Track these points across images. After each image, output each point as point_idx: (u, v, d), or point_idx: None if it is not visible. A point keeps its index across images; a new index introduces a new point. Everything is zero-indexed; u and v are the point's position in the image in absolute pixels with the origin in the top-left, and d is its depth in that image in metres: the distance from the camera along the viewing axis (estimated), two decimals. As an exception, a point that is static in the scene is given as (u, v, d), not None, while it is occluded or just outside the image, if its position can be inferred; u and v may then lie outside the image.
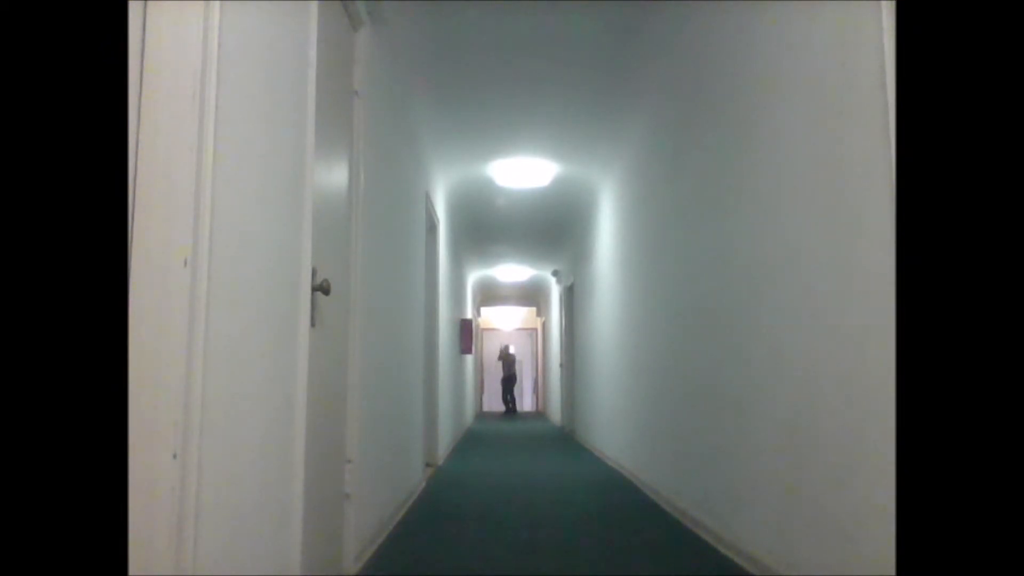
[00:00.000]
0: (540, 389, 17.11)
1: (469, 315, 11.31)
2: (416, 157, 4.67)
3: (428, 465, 5.55)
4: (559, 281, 11.01)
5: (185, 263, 1.21)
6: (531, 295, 15.80)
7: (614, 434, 5.95)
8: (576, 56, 4.08)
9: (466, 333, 9.09)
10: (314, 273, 2.03)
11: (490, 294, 15.63)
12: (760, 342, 2.55)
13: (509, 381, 16.00)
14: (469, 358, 11.30)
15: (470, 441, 8.59)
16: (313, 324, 2.01)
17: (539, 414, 16.20)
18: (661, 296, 4.26)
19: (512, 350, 16.45)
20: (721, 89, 3.02)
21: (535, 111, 4.92)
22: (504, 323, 18.26)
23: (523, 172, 6.28)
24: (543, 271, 12.11)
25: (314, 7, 2.06)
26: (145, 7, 1.24)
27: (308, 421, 1.91)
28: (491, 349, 18.13)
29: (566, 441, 8.64)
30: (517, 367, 16.88)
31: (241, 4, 1.48)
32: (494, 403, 17.93)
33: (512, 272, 12.44)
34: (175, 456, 1.16)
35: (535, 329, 17.64)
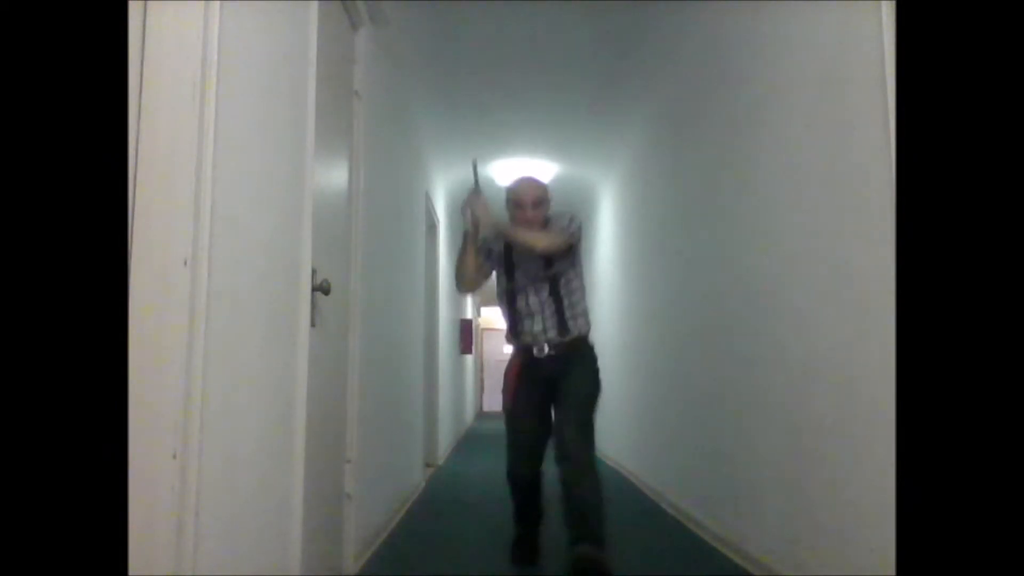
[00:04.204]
0: (540, 389, 17.05)
1: (469, 315, 11.31)
2: (416, 157, 4.67)
3: (428, 465, 5.55)
4: (559, 281, 10.96)
5: (185, 263, 1.21)
6: (531, 295, 15.73)
7: (615, 435, 5.95)
8: (576, 56, 4.08)
9: (466, 333, 9.09)
10: (314, 273, 2.03)
11: (490, 294, 15.58)
12: (761, 343, 2.55)
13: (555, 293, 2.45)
14: (469, 358, 11.30)
15: (470, 441, 8.58)
16: (313, 324, 2.01)
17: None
18: (662, 297, 4.25)
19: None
20: (721, 90, 3.01)
21: (535, 111, 4.92)
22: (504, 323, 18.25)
23: (523, 172, 6.27)
24: (543, 271, 12.08)
25: (314, 7, 2.06)
26: (145, 7, 1.24)
27: (308, 421, 1.91)
28: (491, 347, 17.22)
29: (566, 441, 8.61)
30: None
31: (241, 4, 1.48)
32: (495, 403, 17.86)
33: (512, 272, 12.39)
34: (175, 456, 1.16)
35: (535, 329, 17.60)
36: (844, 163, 1.90)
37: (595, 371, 2.44)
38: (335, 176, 2.40)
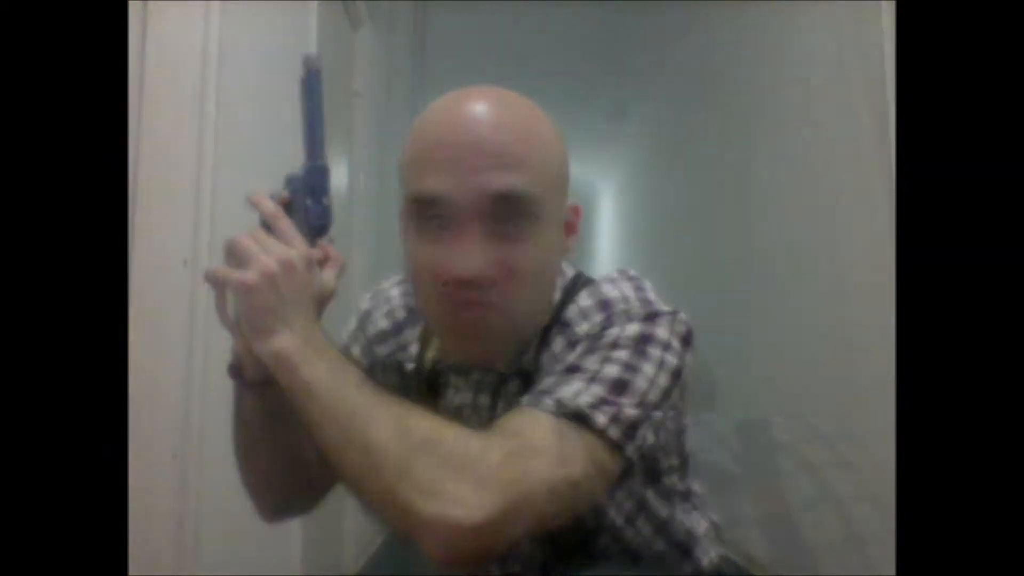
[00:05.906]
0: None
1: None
2: (416, 157, 4.66)
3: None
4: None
5: (185, 263, 1.21)
6: (531, 295, 15.72)
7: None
8: (576, 56, 4.08)
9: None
10: (314, 273, 2.02)
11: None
12: (760, 341, 2.55)
13: None
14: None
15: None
16: (313, 324, 2.01)
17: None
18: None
19: None
20: (722, 89, 3.01)
21: (535, 111, 4.91)
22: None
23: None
24: (543, 271, 12.08)
25: (314, 7, 2.06)
26: (145, 7, 1.24)
27: (308, 421, 1.90)
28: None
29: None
30: None
31: (241, 4, 1.48)
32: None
33: (512, 272, 12.39)
34: (175, 456, 1.16)
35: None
36: (844, 160, 1.90)
37: None
38: (335, 176, 2.39)
